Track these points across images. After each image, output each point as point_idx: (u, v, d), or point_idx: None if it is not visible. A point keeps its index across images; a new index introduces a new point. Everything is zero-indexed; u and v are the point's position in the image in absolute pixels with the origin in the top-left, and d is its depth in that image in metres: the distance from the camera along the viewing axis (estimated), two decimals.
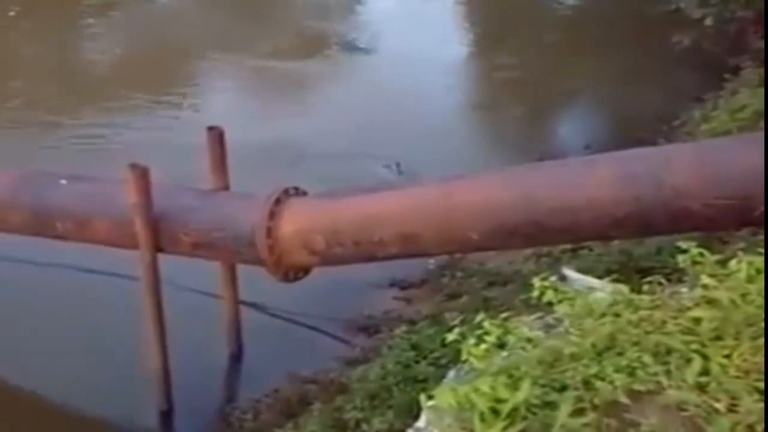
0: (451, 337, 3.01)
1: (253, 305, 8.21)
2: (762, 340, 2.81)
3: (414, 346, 7.25)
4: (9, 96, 12.86)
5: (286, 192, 6.13)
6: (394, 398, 6.43)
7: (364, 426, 5.89)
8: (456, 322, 3.19)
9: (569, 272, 6.80)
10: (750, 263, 3.42)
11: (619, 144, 10.50)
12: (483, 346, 2.82)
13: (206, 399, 7.62)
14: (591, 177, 4.95)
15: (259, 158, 10.70)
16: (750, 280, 3.34)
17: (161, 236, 6.33)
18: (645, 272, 7.10)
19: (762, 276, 3.31)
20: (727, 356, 2.74)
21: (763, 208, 4.33)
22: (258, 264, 6.22)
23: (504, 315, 3.15)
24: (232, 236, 6.17)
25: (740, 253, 3.49)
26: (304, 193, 6.31)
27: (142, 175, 6.06)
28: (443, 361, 6.97)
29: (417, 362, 7.08)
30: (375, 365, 7.08)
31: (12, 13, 15.53)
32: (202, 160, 6.83)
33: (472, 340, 2.90)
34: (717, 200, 4.52)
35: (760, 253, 3.48)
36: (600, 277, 7.00)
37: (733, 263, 3.44)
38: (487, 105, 13.87)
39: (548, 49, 14.28)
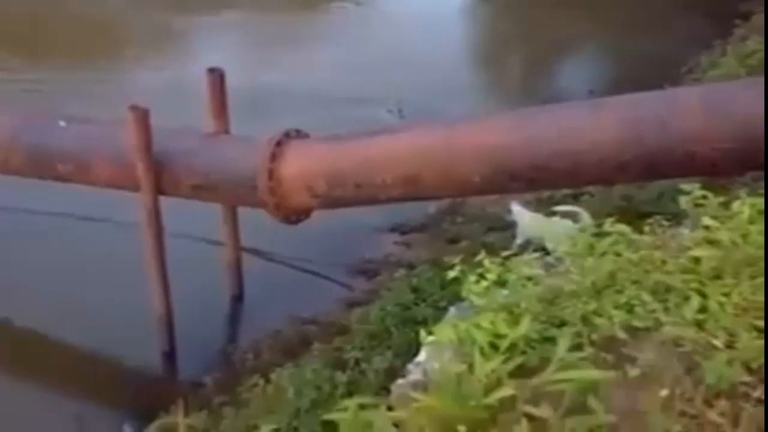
0: (452, 274, 3.02)
1: (254, 251, 8.24)
2: (761, 280, 2.82)
3: (414, 289, 7.29)
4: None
5: (287, 134, 6.10)
6: (393, 338, 6.48)
7: (364, 365, 5.95)
8: (455, 261, 3.18)
9: (516, 206, 6.72)
10: (752, 205, 3.43)
11: (623, 90, 10.44)
12: (483, 284, 2.84)
13: (208, 340, 7.68)
14: (595, 120, 4.91)
15: (262, 104, 10.70)
16: (752, 221, 3.35)
17: (162, 179, 6.32)
18: (646, 216, 7.15)
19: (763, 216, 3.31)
20: (726, 295, 2.76)
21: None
22: (259, 206, 6.22)
23: (504, 254, 3.16)
24: (233, 178, 6.15)
25: (743, 195, 3.49)
26: (306, 136, 6.27)
27: (142, 117, 6.01)
28: (442, 304, 7.00)
29: (416, 304, 7.12)
30: (374, 307, 7.12)
31: None
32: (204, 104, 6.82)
33: (472, 278, 2.91)
34: (722, 144, 4.49)
35: (762, 195, 3.48)
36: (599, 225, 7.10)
37: (735, 205, 3.45)
38: (492, 52, 13.73)
39: None
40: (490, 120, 5.32)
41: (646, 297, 2.71)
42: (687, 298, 2.73)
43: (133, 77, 11.51)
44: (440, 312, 6.91)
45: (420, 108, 10.60)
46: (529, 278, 2.93)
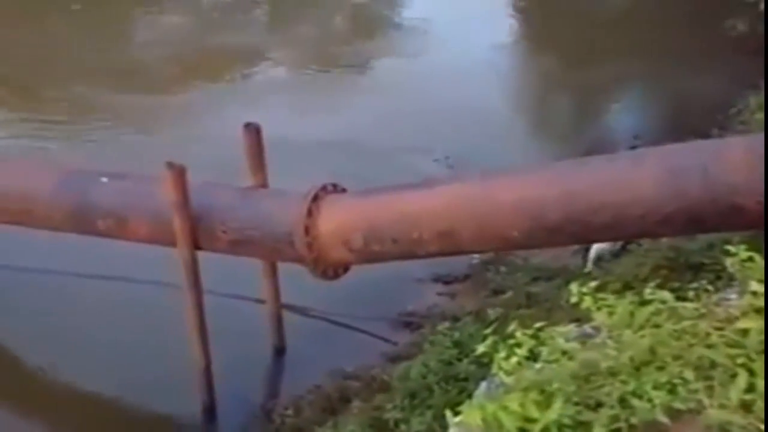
0: (481, 348, 2.88)
1: (295, 307, 8.19)
2: None
3: (456, 344, 7.13)
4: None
5: (324, 189, 6.05)
6: (434, 397, 6.32)
7: (403, 426, 5.80)
8: (488, 331, 3.04)
9: None
10: None
11: (670, 134, 10.24)
12: (514, 359, 2.69)
13: (250, 395, 7.62)
14: (637, 172, 4.75)
15: (307, 157, 10.75)
16: None
17: (199, 234, 6.32)
18: (695, 269, 6.91)
19: None
20: None
21: None
22: (297, 262, 6.16)
23: (538, 324, 3.01)
24: (270, 234, 6.11)
25: None
26: (343, 190, 6.22)
27: (179, 173, 6.04)
28: (485, 360, 6.84)
29: (459, 359, 6.95)
30: (416, 363, 6.98)
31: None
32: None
33: (502, 353, 2.77)
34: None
35: None
36: (647, 277, 6.85)
37: None
38: (537, 93, 13.62)
39: (599, 34, 13.92)
40: (528, 173, 5.20)
41: (689, 375, 2.53)
42: (734, 376, 2.54)
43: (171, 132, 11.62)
44: (483, 369, 6.74)
45: (465, 156, 10.54)
46: (564, 352, 2.78)
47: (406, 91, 12.82)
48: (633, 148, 10.26)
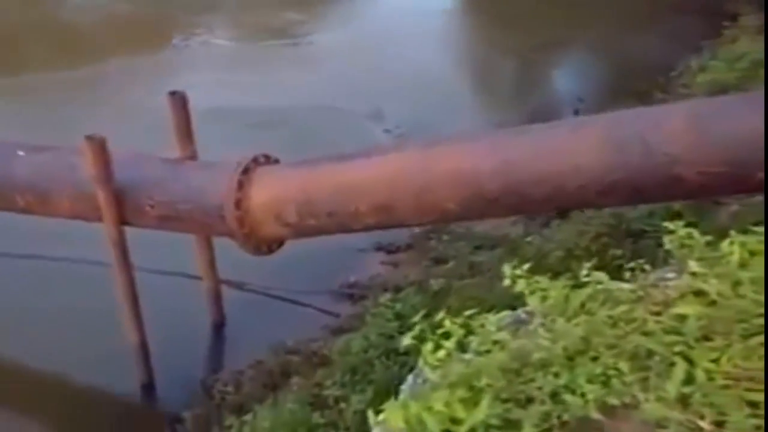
0: (406, 341, 2.69)
1: (230, 282, 7.95)
2: (755, 340, 2.50)
3: (398, 316, 6.99)
4: None
5: (255, 160, 5.78)
6: (375, 373, 6.18)
7: (342, 404, 5.65)
8: (416, 319, 2.86)
9: None
10: (743, 244, 3.10)
11: (613, 97, 10.18)
12: (441, 353, 2.51)
13: (190, 371, 7.41)
14: (576, 142, 4.59)
15: (246, 125, 10.42)
16: (743, 264, 3.02)
17: (125, 209, 6.01)
18: (636, 236, 6.86)
19: (757, 261, 3.00)
20: (715, 360, 2.43)
21: (761, 175, 3.98)
22: (228, 236, 5.91)
23: (468, 312, 2.83)
24: (199, 208, 5.84)
25: (733, 234, 3.17)
26: (276, 161, 5.96)
27: (99, 146, 5.70)
28: (428, 333, 6.72)
29: (401, 332, 6.82)
30: (357, 336, 6.84)
31: None
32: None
33: (429, 345, 2.59)
34: (711, 167, 4.17)
35: (754, 233, 3.16)
36: (589, 246, 6.77)
37: (725, 245, 3.12)
38: (482, 57, 13.41)
39: None
40: (465, 143, 5.00)
41: (624, 366, 2.39)
42: (671, 365, 2.41)
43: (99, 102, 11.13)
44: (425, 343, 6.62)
45: (414, 123, 10.33)
46: (495, 342, 2.61)
47: (351, 58, 12.53)
48: (576, 112, 10.22)
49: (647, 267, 3.14)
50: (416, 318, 2.88)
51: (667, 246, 3.19)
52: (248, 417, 5.93)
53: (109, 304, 6.93)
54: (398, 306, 7.04)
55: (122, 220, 6.09)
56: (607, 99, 10.24)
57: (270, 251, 6.05)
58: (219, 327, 7.91)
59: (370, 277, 8.40)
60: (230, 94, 11.40)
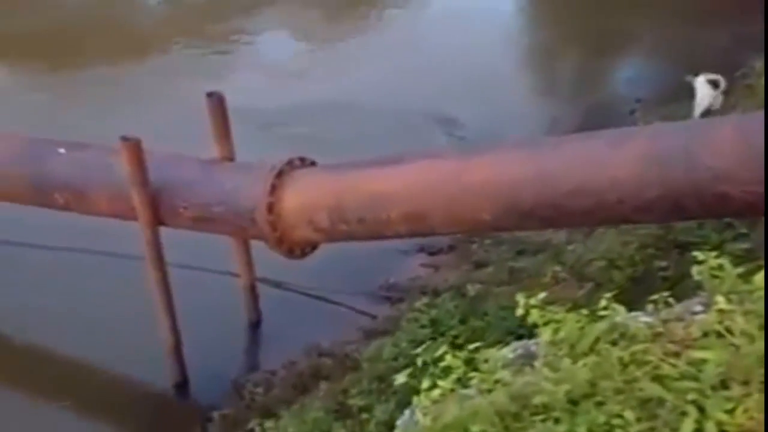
0: (401, 379, 2.57)
1: (268, 281, 7.92)
2: None
3: (432, 322, 6.86)
4: None
5: (290, 163, 5.71)
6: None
7: (365, 415, 5.55)
8: (420, 350, 2.73)
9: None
10: None
11: (673, 96, 9.80)
12: (436, 392, 2.38)
13: (224, 371, 7.40)
14: (617, 155, 4.37)
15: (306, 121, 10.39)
16: None
17: (161, 210, 6.01)
18: (683, 247, 6.56)
19: None
20: (730, 411, 2.25)
21: None
22: (261, 239, 5.86)
23: (473, 345, 2.69)
24: (232, 211, 5.80)
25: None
26: (312, 164, 5.88)
27: (134, 147, 5.71)
28: (460, 340, 6.57)
29: (434, 339, 6.69)
30: (388, 343, 6.73)
31: None
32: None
33: (426, 382, 2.46)
34: (758, 186, 3.91)
35: None
36: (633, 256, 6.51)
37: (758, 278, 2.90)
38: (544, 50, 13.10)
39: None
40: (502, 153, 4.83)
41: (630, 415, 2.22)
42: (683, 415, 2.23)
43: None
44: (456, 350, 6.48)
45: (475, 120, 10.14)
46: (497, 380, 2.47)
47: (410, 46, 12.37)
48: (632, 112, 9.89)
49: (671, 300, 2.94)
50: (419, 350, 2.75)
51: (696, 276, 2.99)
52: (271, 423, 5.86)
53: (148, 299, 6.99)
54: (433, 312, 6.91)
55: (157, 221, 6.10)
56: (665, 100, 9.89)
57: (303, 255, 5.98)
58: (255, 326, 7.88)
59: (409, 279, 8.27)
60: (288, 92, 11.33)
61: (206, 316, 7.46)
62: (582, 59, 12.27)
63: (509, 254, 7.76)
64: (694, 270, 2.98)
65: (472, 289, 7.23)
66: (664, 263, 6.25)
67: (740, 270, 2.93)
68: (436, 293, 7.55)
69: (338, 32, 13.70)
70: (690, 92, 9.35)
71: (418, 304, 7.26)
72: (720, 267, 2.94)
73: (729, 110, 8.85)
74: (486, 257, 7.95)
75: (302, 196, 5.54)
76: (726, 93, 9.11)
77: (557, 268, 6.98)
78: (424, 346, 6.47)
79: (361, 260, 8.22)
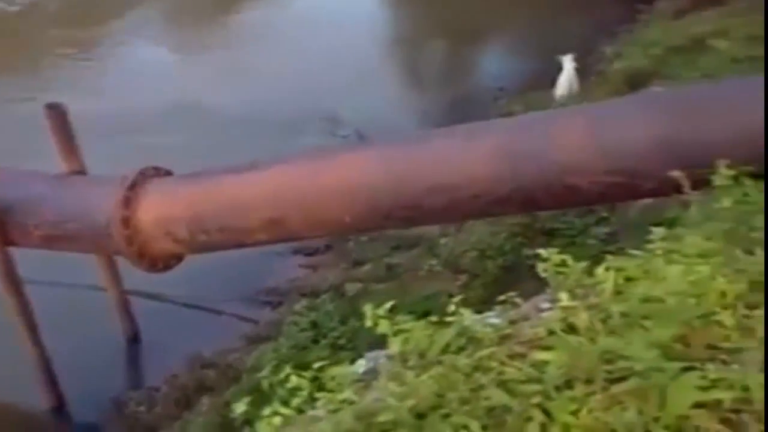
0: (240, 408, 2.46)
1: (141, 293, 7.62)
2: (618, 387, 2.32)
3: (313, 324, 6.79)
4: None
5: (143, 174, 5.46)
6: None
7: (248, 428, 5.39)
8: (264, 373, 2.63)
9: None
10: (618, 270, 2.93)
11: (532, 82, 10.06)
12: (277, 419, 2.28)
13: (102, 390, 7.08)
14: (470, 151, 4.39)
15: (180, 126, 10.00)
16: (618, 291, 2.86)
17: (9, 230, 5.65)
18: (550, 234, 6.73)
19: (632, 287, 2.84)
20: (575, 412, 2.25)
21: (650, 185, 3.84)
22: (120, 255, 5.59)
23: (321, 363, 2.61)
24: (88, 227, 5.50)
25: (609, 258, 3.01)
26: (168, 173, 5.65)
27: None
28: (342, 341, 6.52)
29: (316, 341, 6.61)
30: (269, 350, 6.59)
31: None
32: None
33: (267, 410, 2.35)
34: (603, 177, 4.01)
35: (631, 256, 3.01)
36: (503, 245, 6.62)
37: (600, 271, 2.95)
38: (406, 48, 13.18)
39: None
40: (357, 153, 4.76)
41: (476, 425, 2.19)
42: (529, 420, 2.22)
43: None
44: (340, 353, 6.41)
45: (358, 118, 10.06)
46: (342, 400, 2.40)
47: (282, 49, 12.18)
48: (496, 100, 10.10)
49: (518, 301, 2.95)
50: (264, 372, 2.64)
51: (541, 273, 3.00)
52: None
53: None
54: (313, 314, 6.83)
55: (7, 242, 5.72)
56: (525, 86, 10.14)
57: (168, 268, 5.75)
58: (133, 340, 7.60)
59: (288, 281, 8.16)
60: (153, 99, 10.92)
61: (81, 334, 7.14)
62: (448, 51, 12.44)
63: (385, 250, 7.77)
64: (539, 267, 3.00)
65: (350, 289, 7.20)
66: (532, 251, 6.36)
67: (583, 264, 2.97)
68: (316, 294, 7.48)
69: (205, 39, 13.33)
70: (550, 80, 9.64)
71: (298, 307, 7.18)
72: (563, 263, 2.97)
73: (583, 95, 9.18)
74: (363, 254, 7.94)
75: (158, 207, 5.31)
76: (582, 77, 9.43)
77: (432, 261, 7.04)
78: (305, 349, 6.54)
79: (239, 265, 8.02)
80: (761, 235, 3.14)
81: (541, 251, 3.01)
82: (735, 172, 3.57)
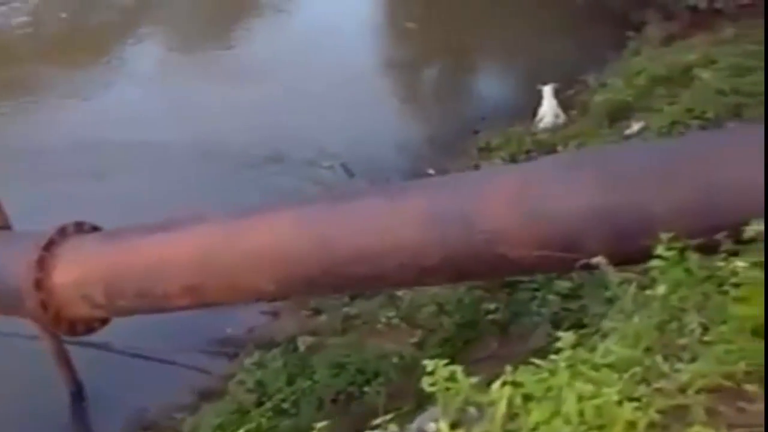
0: None
1: (89, 344, 7.17)
2: None
3: (259, 384, 6.33)
4: None
5: (62, 231, 5.05)
6: None
7: None
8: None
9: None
10: (516, 386, 2.47)
11: (516, 113, 9.59)
12: None
13: None
14: (394, 215, 3.95)
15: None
16: (513, 414, 2.40)
17: None
18: (512, 286, 6.25)
19: (535, 408, 2.38)
20: None
21: (585, 260, 3.36)
22: (35, 321, 5.18)
23: None
24: (2, 290, 5.09)
25: (508, 370, 2.54)
26: (94, 229, 5.24)
27: None
28: (286, 405, 6.07)
29: (260, 404, 6.16)
30: (209, 413, 6.15)
31: None
32: None
33: None
34: (535, 249, 3.54)
35: (537, 367, 2.54)
36: (462, 299, 6.14)
37: (495, 388, 2.49)
38: (392, 73, 12.76)
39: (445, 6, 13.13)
40: (276, 216, 4.32)
41: None
42: None
43: None
44: (281, 419, 5.95)
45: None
46: None
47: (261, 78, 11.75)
48: (476, 132, 9.64)
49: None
50: None
51: (427, 389, 2.55)
52: None
53: None
54: (259, 373, 6.37)
55: None
56: (509, 117, 9.69)
57: (91, 331, 5.34)
58: (77, 396, 7.14)
59: (247, 329, 7.70)
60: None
61: (22, 389, 6.71)
62: (434, 77, 12.02)
63: (344, 298, 7.31)
64: (424, 382, 2.54)
65: (302, 343, 6.74)
66: (492, 305, 5.93)
67: (475, 380, 2.51)
68: (273, 345, 7.04)
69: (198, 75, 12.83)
70: (534, 109, 9.19)
71: (247, 362, 6.72)
72: (452, 377, 2.51)
73: (568, 127, 8.72)
74: (322, 301, 7.47)
75: (75, 269, 4.90)
76: (564, 109, 8.98)
77: (391, 314, 6.58)
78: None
79: (195, 312, 7.62)
80: (691, 335, 2.69)
81: (428, 362, 2.55)
82: (679, 246, 3.13)
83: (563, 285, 5.75)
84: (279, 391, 6.10)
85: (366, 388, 5.78)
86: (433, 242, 3.80)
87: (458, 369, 2.52)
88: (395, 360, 5.87)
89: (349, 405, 5.83)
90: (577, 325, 5.05)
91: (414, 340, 6.14)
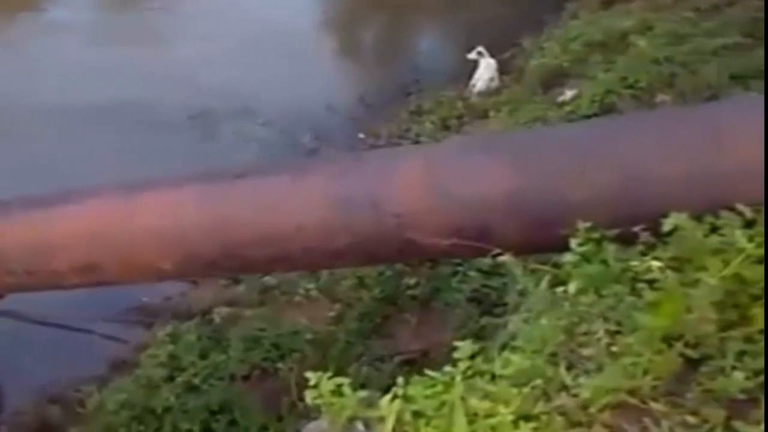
0: None
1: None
2: None
3: (172, 357, 6.06)
4: None
5: None
6: None
7: None
8: None
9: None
10: (408, 401, 2.27)
11: (450, 77, 9.33)
12: None
13: None
14: (297, 195, 3.67)
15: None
16: None
17: None
18: (435, 261, 6.06)
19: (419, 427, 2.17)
20: None
21: (499, 246, 3.15)
22: None
23: None
24: None
25: (399, 380, 2.33)
26: None
27: None
28: (197, 381, 5.82)
29: (171, 379, 5.90)
30: (116, 388, 5.86)
31: None
32: None
33: None
34: (447, 233, 3.32)
35: (429, 382, 2.33)
36: (382, 273, 5.93)
37: (384, 403, 2.28)
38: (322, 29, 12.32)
39: None
40: (176, 192, 4.00)
41: None
42: None
43: None
44: (189, 396, 5.71)
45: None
46: None
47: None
48: (409, 95, 9.37)
49: None
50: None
51: (310, 402, 2.32)
52: None
53: None
54: (171, 347, 6.09)
55: None
56: (443, 80, 9.42)
57: None
58: None
59: (164, 298, 7.38)
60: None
61: None
62: (369, 36, 11.65)
63: None
64: (308, 395, 2.31)
65: (218, 315, 6.48)
66: (413, 280, 5.74)
67: (363, 394, 2.29)
68: (188, 316, 6.76)
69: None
70: (470, 72, 8.94)
71: (161, 335, 6.44)
72: (338, 390, 2.28)
73: (501, 92, 8.52)
74: None
75: None
76: (500, 73, 8.75)
77: (310, 285, 6.34)
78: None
79: None
80: (598, 344, 2.51)
81: (311, 375, 2.32)
82: (597, 236, 2.94)
83: (485, 261, 5.59)
84: (192, 365, 5.86)
85: (280, 364, 5.59)
86: (338, 225, 3.55)
87: (345, 382, 2.29)
88: (310, 336, 5.66)
89: (262, 381, 5.64)
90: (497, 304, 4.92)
91: (332, 314, 5.94)
